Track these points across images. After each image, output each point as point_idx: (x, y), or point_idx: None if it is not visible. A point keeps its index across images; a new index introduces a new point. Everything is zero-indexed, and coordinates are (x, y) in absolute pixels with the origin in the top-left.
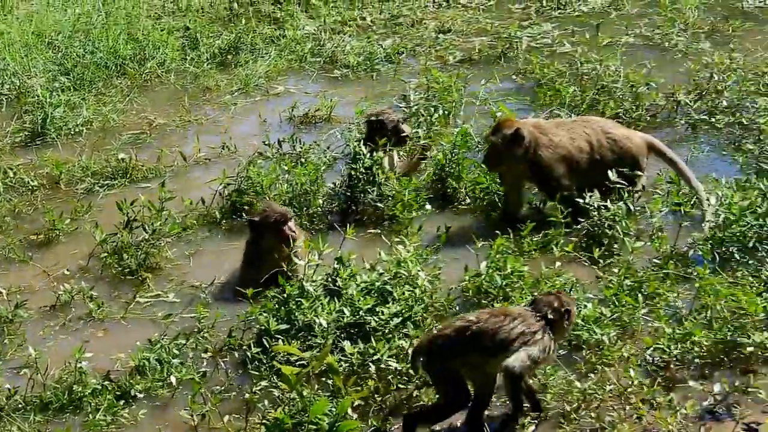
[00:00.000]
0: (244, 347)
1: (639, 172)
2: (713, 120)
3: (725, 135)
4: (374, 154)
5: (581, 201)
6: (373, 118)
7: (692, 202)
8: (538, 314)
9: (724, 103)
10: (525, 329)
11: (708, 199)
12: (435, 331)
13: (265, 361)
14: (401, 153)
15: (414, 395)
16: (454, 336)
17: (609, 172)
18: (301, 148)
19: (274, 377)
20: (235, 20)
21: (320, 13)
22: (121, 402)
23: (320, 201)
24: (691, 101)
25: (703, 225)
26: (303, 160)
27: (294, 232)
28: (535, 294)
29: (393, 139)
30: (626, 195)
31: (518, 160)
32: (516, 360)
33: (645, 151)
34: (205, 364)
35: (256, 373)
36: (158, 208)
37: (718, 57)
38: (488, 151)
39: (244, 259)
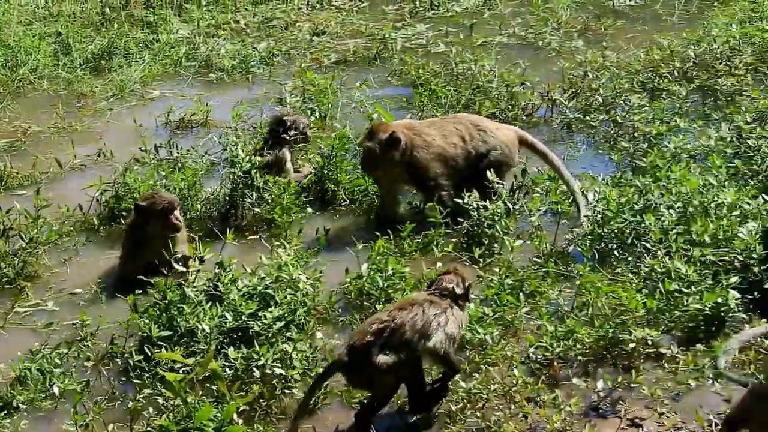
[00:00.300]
0: (127, 355)
1: (511, 164)
2: (588, 118)
3: (601, 133)
4: (278, 151)
5: (460, 201)
6: (286, 117)
7: (570, 200)
8: (443, 293)
9: (599, 101)
10: (436, 311)
11: (584, 194)
12: (352, 341)
13: (148, 369)
14: (297, 161)
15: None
16: (374, 339)
17: (488, 172)
18: (179, 153)
19: (158, 384)
20: (107, 25)
21: (193, 16)
22: (3, 413)
23: (199, 206)
24: (566, 100)
25: (581, 220)
26: (180, 165)
27: (179, 221)
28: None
29: (298, 139)
30: (504, 193)
31: (395, 164)
32: (437, 341)
33: (516, 142)
34: (87, 373)
35: (140, 380)
36: (34, 216)
37: (592, 55)
38: (364, 156)
39: (124, 249)
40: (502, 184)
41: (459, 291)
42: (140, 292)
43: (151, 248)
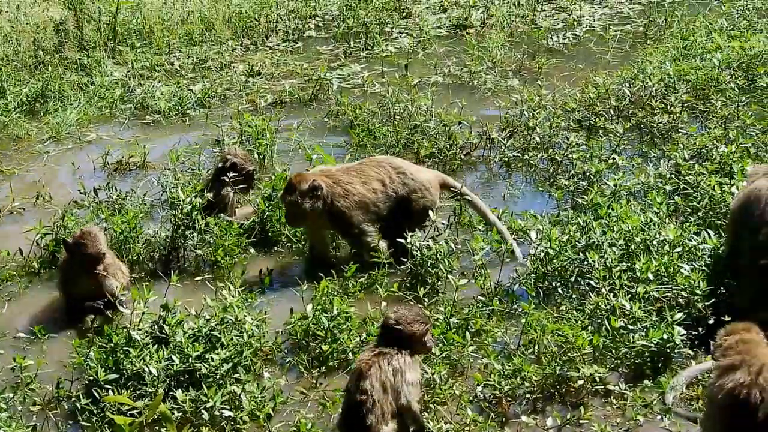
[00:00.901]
0: (74, 398)
1: (432, 206)
2: (527, 157)
3: (539, 171)
4: (221, 190)
5: (402, 241)
6: (229, 157)
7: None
8: (390, 342)
9: (537, 140)
10: (395, 366)
11: (524, 233)
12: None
13: (96, 412)
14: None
15: None
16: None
17: (430, 212)
18: (118, 195)
19: (107, 428)
20: (41, 67)
21: (127, 59)
22: None
23: (140, 248)
24: (503, 139)
25: (520, 259)
26: (120, 207)
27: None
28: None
29: (243, 183)
30: (446, 233)
31: (318, 213)
32: (406, 397)
33: (437, 184)
34: (34, 417)
35: (88, 424)
36: None
37: (528, 94)
38: (287, 210)
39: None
40: (432, 220)
41: (404, 332)
42: (85, 329)
43: (78, 285)
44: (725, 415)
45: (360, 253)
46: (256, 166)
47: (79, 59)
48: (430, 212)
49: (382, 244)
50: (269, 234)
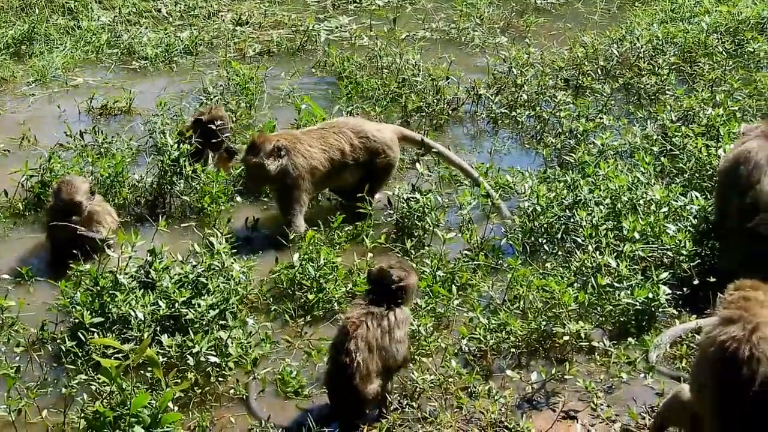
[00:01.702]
0: (58, 341)
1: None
2: (514, 113)
3: (526, 129)
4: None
5: (391, 193)
6: (207, 122)
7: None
8: (380, 296)
9: (524, 98)
10: (383, 326)
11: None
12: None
13: (81, 355)
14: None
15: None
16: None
17: (417, 164)
18: (104, 139)
19: (92, 371)
20: (27, 10)
21: (115, 4)
22: None
23: (126, 193)
24: (491, 95)
25: (505, 217)
26: (105, 151)
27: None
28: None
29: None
30: (433, 187)
31: (278, 174)
32: (393, 356)
33: (396, 140)
34: (18, 358)
35: (73, 366)
36: None
37: (516, 51)
38: (249, 172)
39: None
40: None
41: (393, 287)
42: (71, 273)
43: (62, 229)
44: (713, 368)
45: (285, 223)
46: (226, 121)
47: (66, 2)
48: (393, 170)
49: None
50: None
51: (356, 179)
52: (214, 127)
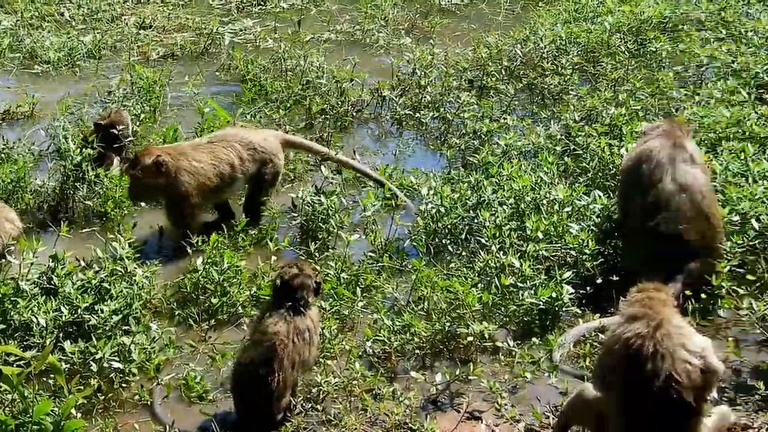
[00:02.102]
0: None
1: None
2: (418, 115)
3: (431, 130)
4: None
5: (294, 196)
6: (107, 126)
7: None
8: (287, 303)
9: (428, 99)
10: (306, 338)
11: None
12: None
13: None
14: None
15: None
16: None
17: (322, 167)
18: (5, 144)
19: None
20: None
21: (17, 8)
22: None
23: (29, 198)
24: (396, 96)
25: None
26: (7, 156)
27: None
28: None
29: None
30: (338, 189)
31: (161, 189)
32: (308, 362)
33: (281, 148)
34: None
35: None
36: None
37: (420, 52)
38: (130, 184)
39: None
40: None
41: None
42: None
43: None
44: (618, 365)
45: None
46: (127, 125)
47: None
48: (279, 177)
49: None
50: None
51: (244, 190)
52: (116, 132)
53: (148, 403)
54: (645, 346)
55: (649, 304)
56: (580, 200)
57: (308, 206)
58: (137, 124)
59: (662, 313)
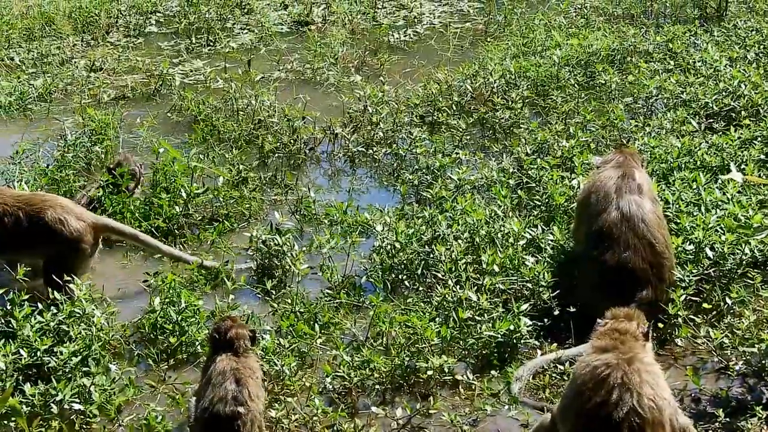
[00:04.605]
0: None
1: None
2: (371, 151)
3: (384, 166)
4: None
5: (251, 234)
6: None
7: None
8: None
9: (380, 135)
10: (246, 366)
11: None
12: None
13: None
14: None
15: None
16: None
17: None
18: None
19: None
20: None
21: None
22: None
23: None
24: (348, 134)
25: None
26: None
27: None
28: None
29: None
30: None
31: None
32: (257, 410)
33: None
34: None
35: None
36: None
37: (371, 89)
38: None
39: None
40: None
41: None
42: None
43: None
44: (581, 392)
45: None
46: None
47: None
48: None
49: None
50: None
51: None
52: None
53: None
54: (613, 375)
55: (620, 338)
56: (533, 232)
57: (263, 245)
58: (90, 166)
59: (632, 348)
